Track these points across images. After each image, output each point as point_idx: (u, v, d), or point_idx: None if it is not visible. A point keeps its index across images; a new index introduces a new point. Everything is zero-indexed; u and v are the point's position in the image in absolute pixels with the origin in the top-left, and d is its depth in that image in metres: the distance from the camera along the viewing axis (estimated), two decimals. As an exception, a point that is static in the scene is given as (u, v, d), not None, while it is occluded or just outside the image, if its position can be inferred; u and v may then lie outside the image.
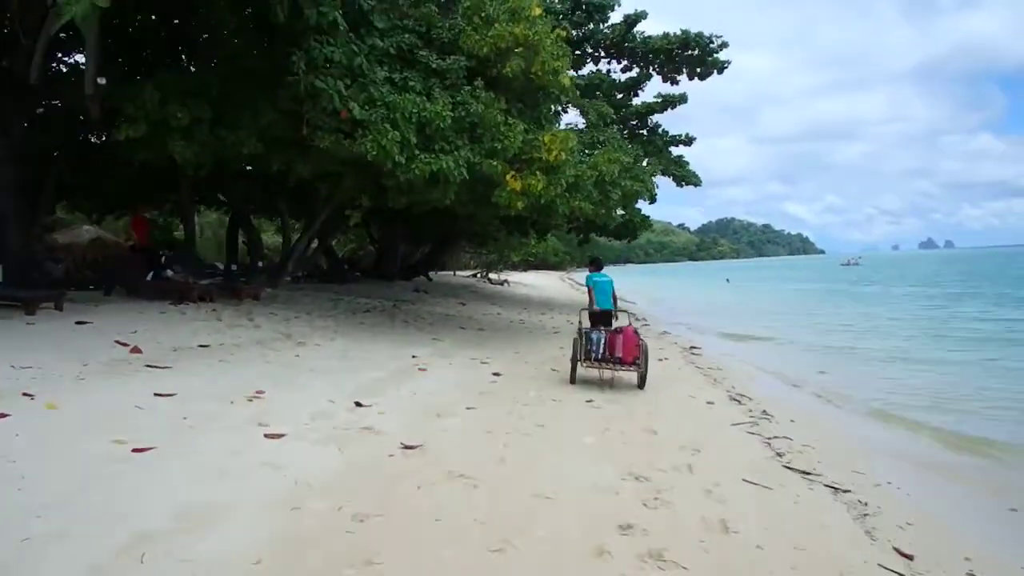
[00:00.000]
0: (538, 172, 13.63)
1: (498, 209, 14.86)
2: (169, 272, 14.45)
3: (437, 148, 12.86)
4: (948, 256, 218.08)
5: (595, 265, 12.40)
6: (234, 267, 18.24)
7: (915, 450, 9.02)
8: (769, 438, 8.39)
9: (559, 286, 55.83)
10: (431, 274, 41.89)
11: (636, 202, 20.44)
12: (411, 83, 12.88)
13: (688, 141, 29.71)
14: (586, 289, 12.00)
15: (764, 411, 10.06)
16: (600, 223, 27.81)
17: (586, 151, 17.59)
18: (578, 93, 20.55)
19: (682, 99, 28.01)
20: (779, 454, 7.73)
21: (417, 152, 12.54)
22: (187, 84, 12.14)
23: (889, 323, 25.49)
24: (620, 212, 26.28)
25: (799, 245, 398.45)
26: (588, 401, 9.70)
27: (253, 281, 17.17)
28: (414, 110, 12.32)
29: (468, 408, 8.58)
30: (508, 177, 13.39)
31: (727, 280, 77.01)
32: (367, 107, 12.23)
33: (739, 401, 10.82)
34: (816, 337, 21.15)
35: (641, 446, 7.42)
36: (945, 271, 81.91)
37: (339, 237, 38.35)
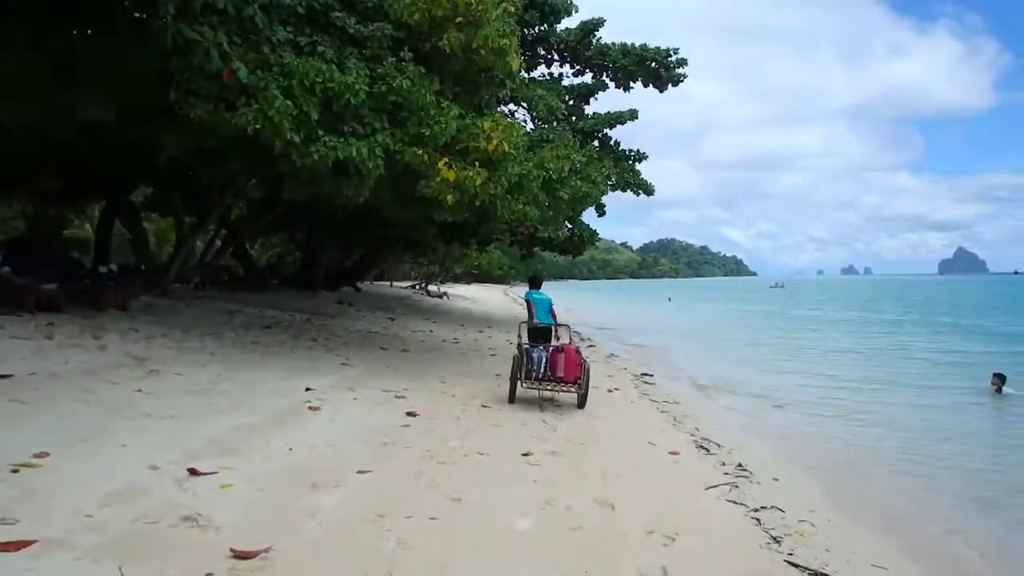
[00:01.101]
0: (476, 164, 11.36)
1: (427, 209, 12.63)
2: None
3: (347, 130, 10.48)
4: (867, 282, 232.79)
5: (533, 283, 12.22)
6: (108, 268, 15.43)
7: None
8: (755, 509, 6.46)
9: (501, 301, 53.53)
10: (363, 284, 39.38)
11: (586, 207, 18.27)
12: (320, 48, 10.43)
13: (640, 157, 27.87)
14: (526, 303, 11.95)
15: (739, 464, 8.18)
16: (546, 235, 25.82)
17: (533, 150, 15.42)
18: (526, 80, 18.42)
19: (632, 115, 26.16)
20: (775, 538, 5.75)
21: (321, 133, 10.14)
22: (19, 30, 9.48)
23: (836, 353, 23.97)
24: (567, 226, 24.38)
25: (734, 267, 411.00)
26: (525, 455, 7.44)
27: (129, 287, 14.30)
28: (318, 79, 9.90)
29: (361, 472, 6.23)
30: (440, 164, 11.09)
31: (669, 299, 76.74)
32: (258, 71, 9.77)
33: (707, 449, 8.94)
34: (763, 369, 19.62)
35: (595, 533, 5.29)
36: (862, 295, 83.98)
37: (262, 241, 35.57)
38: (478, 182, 11.19)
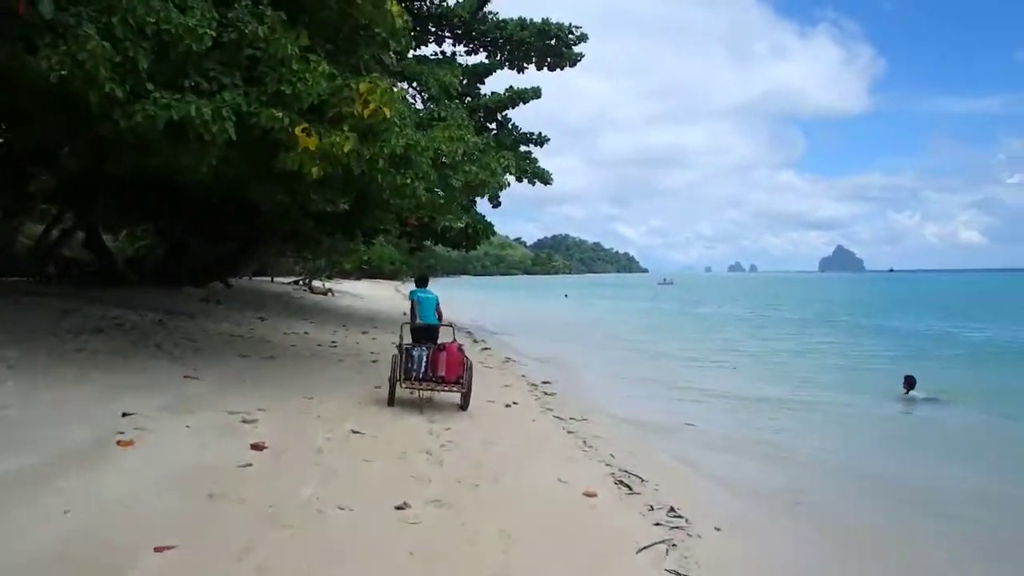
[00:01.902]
0: (347, 129, 9.44)
1: (294, 186, 10.63)
2: None
3: (188, 85, 8.36)
4: (754, 279, 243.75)
5: (420, 282, 11.69)
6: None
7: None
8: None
9: (391, 298, 51.12)
10: (238, 280, 36.43)
11: (481, 195, 16.50)
12: (155, -15, 8.23)
13: (541, 141, 26.39)
14: (410, 303, 11.41)
15: (671, 509, 6.56)
16: (438, 227, 23.94)
17: (424, 130, 13.55)
18: (414, 57, 16.49)
19: (535, 94, 24.62)
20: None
21: (151, 88, 7.99)
22: None
23: (751, 357, 23.09)
24: (459, 218, 22.63)
25: (626, 263, 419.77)
26: (400, 507, 5.63)
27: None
28: (149, 18, 7.75)
29: (160, 549, 4.28)
30: (298, 130, 9.08)
31: (566, 296, 76.49)
32: (70, 7, 7.55)
33: (628, 486, 7.30)
34: (675, 377, 17.78)
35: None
36: (756, 292, 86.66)
37: (128, 231, 32.22)
38: (346, 148, 9.25)
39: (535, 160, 25.32)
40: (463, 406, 10.03)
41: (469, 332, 25.96)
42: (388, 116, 9.97)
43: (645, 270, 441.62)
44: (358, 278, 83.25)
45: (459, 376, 9.89)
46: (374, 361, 14.26)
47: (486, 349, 20.23)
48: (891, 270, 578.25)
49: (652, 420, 12.01)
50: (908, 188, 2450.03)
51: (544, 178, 25.36)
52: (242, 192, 13.22)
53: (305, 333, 18.34)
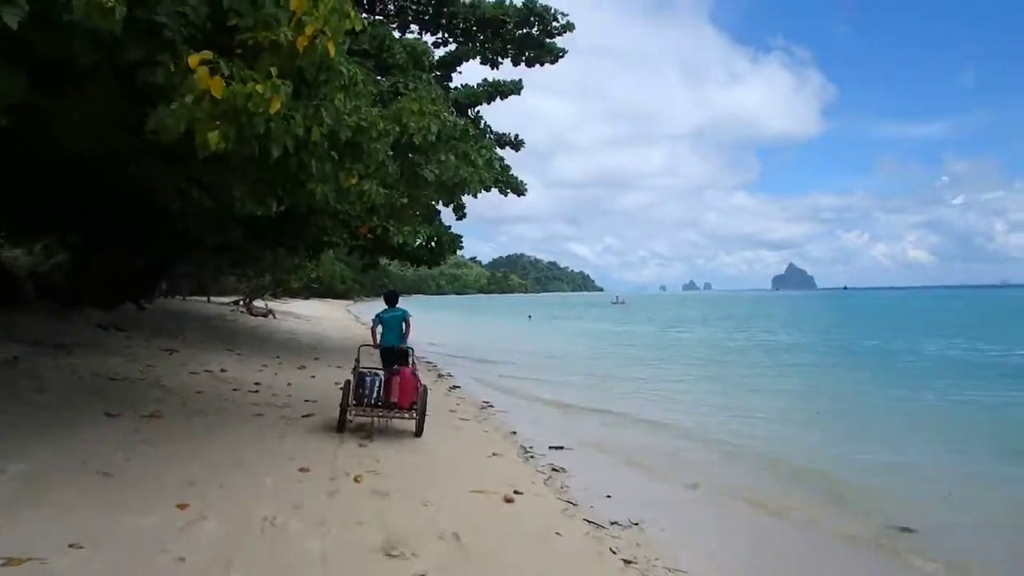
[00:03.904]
0: (274, 73, 5.74)
1: (180, 164, 6.88)
2: None
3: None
4: (710, 297, 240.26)
5: (389, 300, 10.80)
6: None
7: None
8: None
9: (341, 320, 46.94)
10: (167, 298, 32.08)
11: (458, 196, 12.57)
12: None
13: (517, 144, 22.71)
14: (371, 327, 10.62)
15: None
16: (394, 239, 20.08)
17: (384, 103, 9.71)
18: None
19: (516, 87, 20.99)
20: None
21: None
22: None
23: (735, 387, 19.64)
24: (420, 229, 18.84)
25: (581, 282, 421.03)
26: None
27: None
28: None
29: None
30: (194, 60, 5.35)
31: (529, 317, 73.47)
32: None
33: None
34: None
35: None
36: (719, 311, 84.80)
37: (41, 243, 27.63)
38: (273, 105, 5.52)
39: (508, 168, 21.66)
40: (417, 433, 9.49)
41: (430, 363, 22.05)
42: (333, 55, 6.22)
43: (600, 289, 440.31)
44: (307, 297, 78.90)
45: (412, 402, 9.43)
46: (307, 416, 10.35)
47: (455, 388, 16.40)
48: (845, 288, 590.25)
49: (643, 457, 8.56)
50: (858, 208, 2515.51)
51: (518, 188, 21.68)
52: (128, 174, 9.36)
53: (222, 371, 14.25)
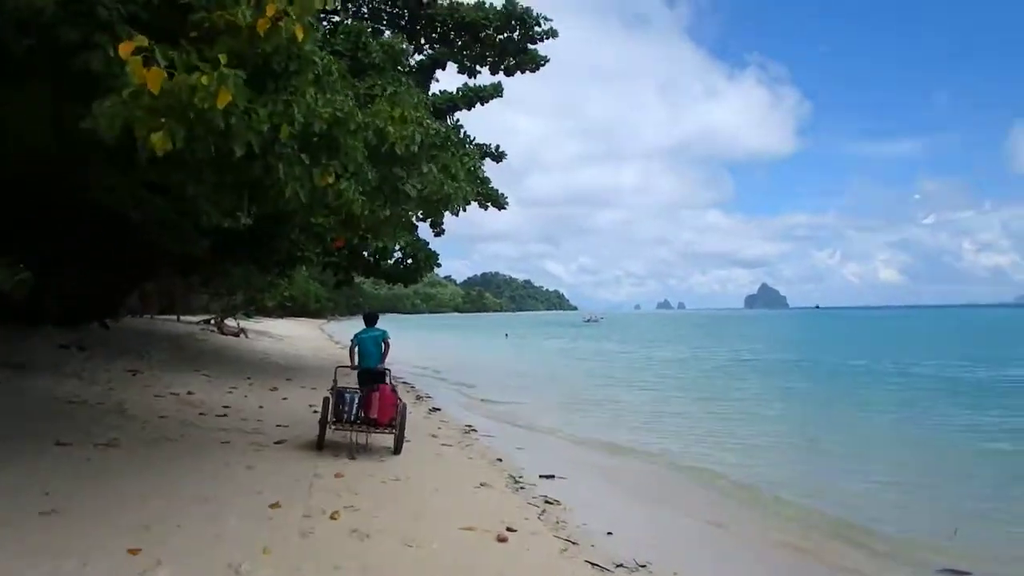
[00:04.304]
0: (223, 61, 5.01)
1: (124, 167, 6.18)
2: None
3: None
4: (684, 316, 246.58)
5: (369, 320, 10.71)
6: None
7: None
8: None
9: (315, 339, 45.92)
10: (135, 317, 31.05)
11: (440, 213, 11.93)
12: None
13: (499, 156, 22.13)
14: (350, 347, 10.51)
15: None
16: (372, 252, 19.40)
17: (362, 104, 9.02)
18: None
19: (496, 91, 20.41)
20: None
21: None
22: None
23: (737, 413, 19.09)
24: (402, 237, 18.12)
25: (556, 301, 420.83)
26: None
27: None
28: None
29: None
30: (125, 49, 4.64)
31: (506, 335, 72.97)
32: None
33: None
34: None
35: None
36: (698, 331, 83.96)
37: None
38: (221, 99, 4.83)
39: (488, 180, 21.04)
40: (396, 450, 9.59)
41: (408, 383, 21.30)
42: (302, 40, 5.55)
43: (575, 307, 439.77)
44: (280, 316, 77.69)
45: (392, 419, 9.46)
46: (278, 443, 9.63)
47: (435, 411, 15.69)
48: (817, 307, 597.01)
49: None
50: (830, 227, 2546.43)
51: (498, 201, 21.13)
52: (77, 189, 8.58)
53: (188, 393, 13.44)
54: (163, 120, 4.91)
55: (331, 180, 6.90)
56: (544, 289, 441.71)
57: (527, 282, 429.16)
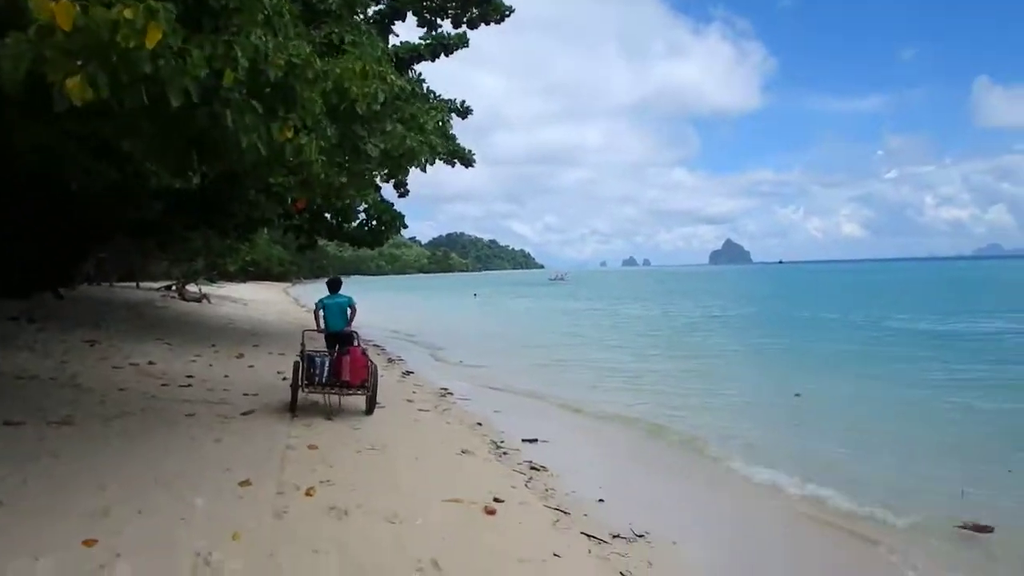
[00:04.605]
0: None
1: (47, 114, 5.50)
2: None
3: None
4: (649, 272, 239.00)
5: (332, 287, 10.53)
6: None
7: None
8: None
9: (280, 303, 45.17)
10: (92, 285, 30.11)
11: (406, 170, 11.39)
12: None
13: (464, 111, 21.48)
14: (314, 312, 10.46)
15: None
16: (338, 216, 18.78)
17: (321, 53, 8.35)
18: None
19: (462, 41, 19.70)
20: None
21: None
22: None
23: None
24: (368, 195, 17.54)
25: (522, 260, 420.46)
26: None
27: None
28: None
29: None
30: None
31: (475, 295, 72.59)
32: None
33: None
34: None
35: None
36: (666, 287, 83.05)
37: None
38: (149, 34, 4.19)
39: (453, 137, 20.35)
40: (368, 411, 9.62)
41: (379, 346, 20.85)
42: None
43: (541, 266, 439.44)
44: (243, 281, 76.50)
45: (364, 380, 9.47)
46: (246, 413, 9.15)
47: (408, 374, 15.28)
48: (780, 262, 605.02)
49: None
50: (795, 183, 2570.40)
51: (466, 158, 20.56)
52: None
53: (149, 363, 12.85)
54: (79, 63, 4.28)
55: (290, 135, 6.33)
56: (510, 248, 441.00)
57: (493, 242, 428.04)
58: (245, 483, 6.06)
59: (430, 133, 10.86)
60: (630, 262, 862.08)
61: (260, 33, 5.54)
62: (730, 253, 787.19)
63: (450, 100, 20.71)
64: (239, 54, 5.14)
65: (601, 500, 6.77)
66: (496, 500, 6.16)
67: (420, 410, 10.68)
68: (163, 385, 10.91)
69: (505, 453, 8.44)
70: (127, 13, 4.16)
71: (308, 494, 5.92)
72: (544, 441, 9.34)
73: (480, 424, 10.15)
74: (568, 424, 11.19)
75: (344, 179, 9.15)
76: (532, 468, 7.77)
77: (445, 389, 13.47)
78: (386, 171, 11.29)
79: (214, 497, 5.67)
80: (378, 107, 7.89)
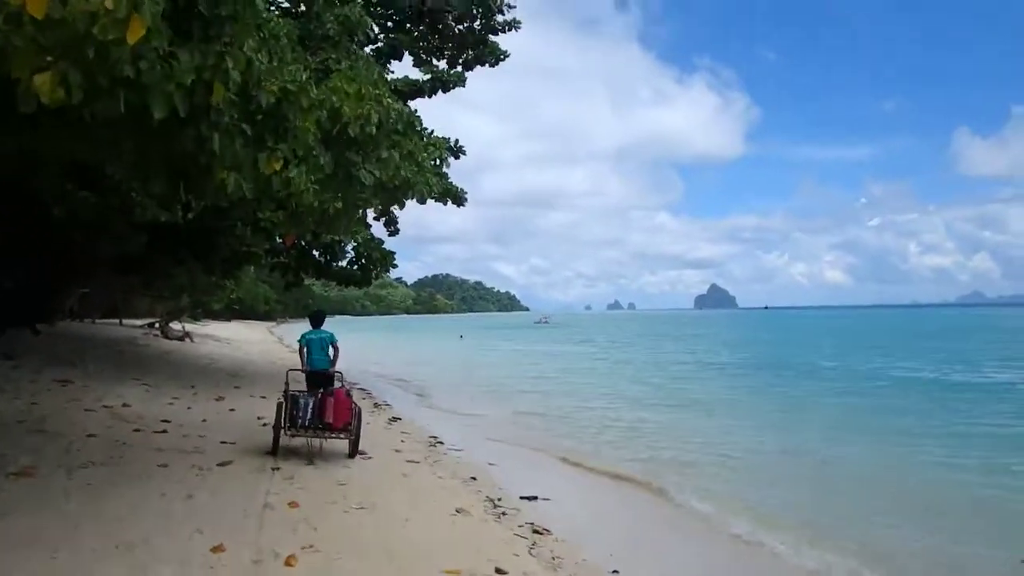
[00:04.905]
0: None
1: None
2: None
3: None
4: (635, 316, 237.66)
5: (315, 320, 10.47)
6: None
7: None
8: None
9: (263, 342, 44.36)
10: (74, 321, 29.35)
11: (402, 201, 10.86)
12: None
13: (458, 151, 21.07)
14: (298, 349, 10.31)
15: None
16: (327, 252, 18.25)
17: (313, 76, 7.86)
18: None
19: (459, 80, 19.38)
20: None
21: None
22: None
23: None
24: (359, 231, 17.06)
25: (507, 302, 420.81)
26: None
27: None
28: None
29: None
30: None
31: (461, 337, 72.39)
32: None
33: None
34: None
35: None
36: (659, 331, 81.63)
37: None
38: (132, 28, 3.63)
39: (446, 175, 19.92)
40: (351, 455, 9.42)
41: (364, 389, 20.14)
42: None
43: (526, 308, 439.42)
44: (228, 319, 75.66)
45: (347, 423, 9.26)
46: (223, 464, 8.46)
47: (395, 420, 14.58)
48: (766, 307, 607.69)
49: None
50: (778, 230, 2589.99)
51: (458, 197, 20.10)
52: None
53: (124, 406, 12.14)
54: (50, 59, 3.75)
55: (278, 167, 5.81)
56: (495, 290, 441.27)
57: (478, 283, 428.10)
58: (218, 548, 5.40)
59: (427, 171, 10.40)
60: (615, 305, 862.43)
61: (254, 46, 5.05)
62: (716, 298, 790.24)
63: (444, 139, 20.34)
64: (230, 66, 4.62)
65: (616, 572, 6.14)
66: (499, 571, 5.53)
67: (409, 461, 10.01)
68: (136, 431, 10.21)
69: (504, 513, 7.74)
70: (107, 3, 3.64)
71: (289, 564, 5.27)
72: (544, 499, 8.67)
73: (474, 478, 9.45)
74: (567, 479, 10.54)
75: (339, 205, 8.63)
76: (535, 531, 7.08)
77: (435, 437, 12.80)
78: (380, 204, 10.76)
79: (182, 566, 5.02)
80: (373, 129, 7.43)
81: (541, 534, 7.04)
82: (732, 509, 8.97)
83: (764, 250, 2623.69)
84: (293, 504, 6.87)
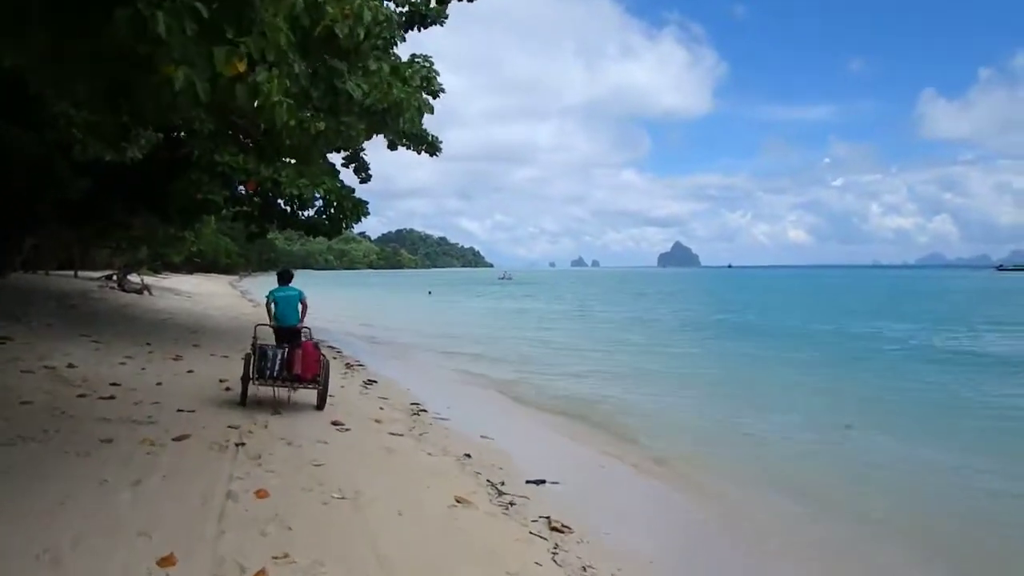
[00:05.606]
0: None
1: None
2: None
3: None
4: (599, 273, 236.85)
5: (283, 279, 10.42)
6: None
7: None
8: None
9: (226, 296, 42.79)
10: (26, 272, 27.78)
11: (394, 127, 9.51)
12: None
13: (435, 90, 19.66)
14: (266, 305, 10.27)
15: None
16: (287, 198, 16.90)
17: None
18: None
19: (440, 16, 17.84)
20: None
21: None
22: None
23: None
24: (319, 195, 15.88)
25: (471, 258, 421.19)
26: None
27: None
28: None
29: None
30: None
31: (429, 292, 71.09)
32: None
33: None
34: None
35: None
36: (631, 289, 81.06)
37: None
38: None
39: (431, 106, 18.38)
40: (319, 406, 9.47)
41: (334, 347, 18.94)
42: None
43: (490, 265, 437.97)
44: (189, 272, 73.90)
45: (316, 375, 9.33)
46: (179, 438, 7.26)
47: (371, 383, 13.42)
48: (729, 266, 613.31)
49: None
50: (742, 188, 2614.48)
51: (432, 146, 18.76)
52: None
53: (69, 367, 10.85)
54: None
55: (241, 68, 4.52)
56: (459, 246, 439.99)
57: (442, 239, 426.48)
58: (167, 561, 4.24)
59: (413, 89, 9.13)
60: (579, 262, 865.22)
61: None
62: (679, 256, 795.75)
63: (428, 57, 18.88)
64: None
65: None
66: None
67: (392, 434, 8.87)
68: (80, 396, 8.98)
69: (512, 503, 6.58)
70: None
71: (259, 581, 4.15)
72: (553, 482, 7.57)
73: (469, 456, 8.28)
74: (574, 456, 9.34)
75: (321, 125, 7.34)
76: (552, 528, 5.97)
77: (416, 404, 11.60)
78: (365, 128, 9.39)
79: (121, 587, 3.88)
80: (362, 33, 6.15)
81: (561, 532, 5.90)
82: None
83: (728, 208, 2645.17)
84: (261, 493, 5.72)
